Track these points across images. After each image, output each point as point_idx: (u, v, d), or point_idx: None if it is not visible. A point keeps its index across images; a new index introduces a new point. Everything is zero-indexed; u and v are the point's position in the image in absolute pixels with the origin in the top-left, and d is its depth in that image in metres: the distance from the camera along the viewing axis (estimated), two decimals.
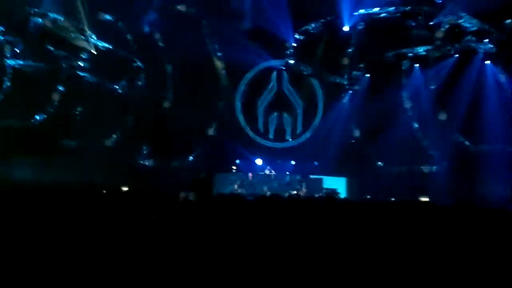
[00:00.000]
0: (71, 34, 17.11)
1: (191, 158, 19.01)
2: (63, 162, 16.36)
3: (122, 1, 17.86)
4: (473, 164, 16.23)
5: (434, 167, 17.01)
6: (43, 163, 15.81)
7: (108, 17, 18.38)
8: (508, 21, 15.60)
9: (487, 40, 15.88)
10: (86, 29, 17.33)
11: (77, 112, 18.38)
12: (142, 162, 18.71)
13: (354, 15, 17.51)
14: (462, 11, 15.85)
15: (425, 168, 17.01)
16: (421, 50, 16.51)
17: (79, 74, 17.80)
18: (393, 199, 12.09)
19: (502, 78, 16.12)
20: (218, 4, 18.75)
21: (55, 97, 18.18)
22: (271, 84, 20.57)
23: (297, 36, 18.35)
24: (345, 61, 18.39)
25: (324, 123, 19.64)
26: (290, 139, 20.43)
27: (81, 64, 17.73)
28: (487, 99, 16.06)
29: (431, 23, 16.17)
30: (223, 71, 19.84)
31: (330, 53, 18.28)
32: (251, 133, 20.59)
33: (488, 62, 16.19)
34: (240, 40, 18.94)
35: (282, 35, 18.40)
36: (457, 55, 16.36)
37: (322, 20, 18.13)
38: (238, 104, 20.75)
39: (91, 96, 18.11)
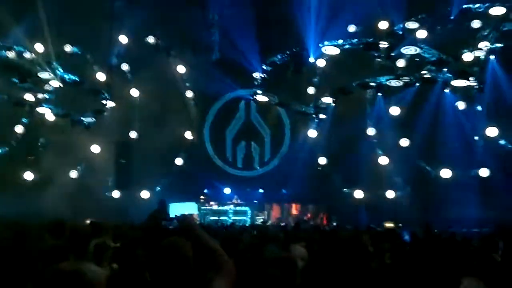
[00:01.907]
0: (37, 66, 17.00)
1: (158, 188, 18.88)
2: (26, 195, 16.04)
3: (90, 33, 17.91)
4: (435, 189, 16.61)
5: (398, 193, 17.34)
6: (4, 197, 15.39)
7: (75, 49, 18.38)
8: (465, 50, 16.24)
9: (445, 69, 16.47)
10: (52, 61, 17.25)
11: (39, 144, 18.12)
12: (107, 194, 18.45)
13: (319, 46, 17.98)
14: (421, 43, 16.46)
15: (389, 194, 17.30)
16: (383, 79, 16.99)
17: (43, 107, 17.60)
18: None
19: (461, 105, 16.69)
20: (187, 36, 18.99)
21: (19, 129, 17.91)
22: (239, 113, 20.81)
23: (264, 67, 18.69)
24: (311, 90, 18.77)
25: (292, 151, 19.88)
26: (258, 167, 20.57)
27: (46, 96, 17.57)
28: (446, 126, 16.57)
29: (392, 53, 16.70)
30: (192, 101, 19.99)
31: (297, 83, 18.63)
32: (219, 162, 20.67)
33: (447, 90, 16.76)
34: (208, 71, 19.19)
35: (250, 66, 18.71)
36: (417, 84, 16.88)
37: (288, 52, 18.53)
38: (206, 134, 20.87)
39: (55, 128, 17.91)
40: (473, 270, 4.05)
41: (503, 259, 4.95)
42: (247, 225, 15.73)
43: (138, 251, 4.95)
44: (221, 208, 18.39)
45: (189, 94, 19.88)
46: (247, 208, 18.44)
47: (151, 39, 19.08)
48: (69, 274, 2.89)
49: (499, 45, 15.94)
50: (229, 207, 18.30)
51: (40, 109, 17.56)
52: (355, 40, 17.30)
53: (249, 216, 18.21)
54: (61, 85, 17.45)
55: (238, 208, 18.32)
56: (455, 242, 6.34)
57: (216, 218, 17.50)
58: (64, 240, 5.33)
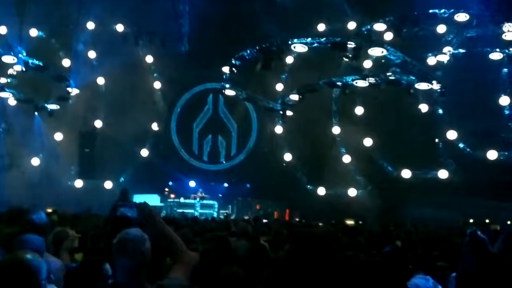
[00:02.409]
0: None
1: (122, 179, 18.67)
2: None
3: (56, 17, 17.51)
4: (396, 188, 17.05)
5: (360, 191, 17.71)
6: None
7: (40, 33, 17.93)
8: (429, 54, 16.68)
9: (409, 72, 16.87)
10: (16, 45, 16.78)
11: (1, 130, 17.63)
12: (70, 183, 18.13)
13: (288, 43, 18.10)
14: (387, 45, 16.80)
15: (351, 192, 17.66)
16: (349, 79, 17.26)
17: (6, 91, 17.11)
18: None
19: (423, 108, 17.15)
20: (156, 26, 18.77)
21: None
22: (207, 106, 20.78)
23: (233, 61, 18.67)
24: (279, 86, 18.91)
25: (258, 146, 20.00)
26: (224, 162, 20.62)
27: (8, 80, 17.07)
28: (408, 128, 17.03)
29: (359, 54, 16.97)
30: (159, 92, 19.82)
31: (265, 79, 18.73)
32: (185, 155, 20.61)
33: (410, 92, 17.17)
34: (177, 62, 19.05)
35: (219, 59, 18.68)
36: (382, 85, 17.22)
37: (257, 47, 18.58)
38: (173, 126, 20.75)
39: (18, 113, 17.47)
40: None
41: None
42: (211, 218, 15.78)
43: (101, 242, 4.95)
44: (188, 201, 18.35)
45: (156, 85, 19.70)
46: (214, 202, 18.47)
47: (119, 27, 18.78)
48: (10, 264, 2.72)
49: (462, 50, 16.45)
50: (196, 200, 18.27)
51: (2, 94, 17.07)
52: (323, 39, 17.50)
53: (215, 210, 18.25)
54: (25, 70, 16.99)
55: (205, 201, 18.33)
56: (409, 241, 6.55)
57: (182, 210, 17.44)
58: (21, 229, 5.26)
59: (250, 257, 4.29)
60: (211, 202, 18.46)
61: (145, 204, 3.71)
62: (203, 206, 18.19)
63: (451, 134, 16.76)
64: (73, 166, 18.47)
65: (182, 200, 18.40)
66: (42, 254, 3.83)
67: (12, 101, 17.44)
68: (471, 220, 14.43)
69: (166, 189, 18.91)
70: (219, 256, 3.63)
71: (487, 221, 14.29)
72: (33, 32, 17.73)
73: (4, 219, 5.91)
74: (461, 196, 15.23)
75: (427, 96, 17.02)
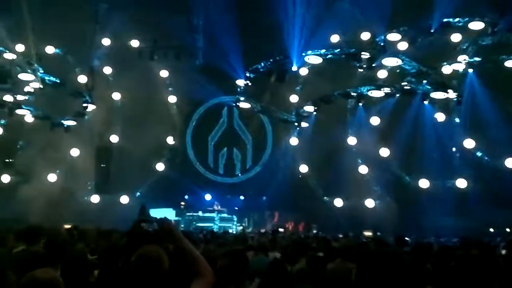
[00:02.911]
0: (17, 67, 16.76)
1: (138, 193, 18.74)
2: (2, 198, 15.78)
3: (72, 35, 17.78)
4: (413, 198, 16.84)
5: (377, 202, 17.52)
6: None
7: (57, 51, 18.21)
8: (444, 63, 16.55)
9: (425, 81, 16.74)
10: (33, 62, 17.04)
11: (18, 147, 17.85)
12: (86, 198, 18.23)
13: (302, 55, 18.12)
14: (402, 54, 16.72)
15: (369, 203, 17.48)
16: (364, 89, 17.19)
17: (23, 108, 17.35)
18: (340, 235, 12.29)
19: (440, 117, 16.98)
20: (170, 41, 18.95)
21: None
22: (222, 119, 20.83)
23: (247, 74, 18.74)
24: (294, 98, 18.90)
25: (273, 159, 19.95)
26: (240, 174, 20.60)
27: (26, 98, 17.31)
28: (425, 137, 16.83)
29: (374, 64, 16.91)
30: (174, 106, 19.94)
31: (279, 91, 18.74)
32: (201, 168, 20.63)
33: (426, 102, 17.03)
34: (191, 76, 19.17)
35: (233, 73, 18.76)
36: (398, 95, 17.13)
37: (271, 60, 18.62)
38: (188, 139, 20.83)
39: (35, 130, 17.69)
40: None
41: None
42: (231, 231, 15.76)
43: (120, 260, 4.93)
44: (207, 215, 18.29)
45: (172, 99, 19.83)
46: (233, 216, 18.41)
47: (134, 43, 19.00)
48: (45, 282, 2.80)
49: (477, 59, 16.28)
50: (215, 214, 18.22)
51: (19, 111, 17.31)
52: (338, 50, 17.49)
53: (235, 223, 18.18)
54: (42, 87, 17.23)
55: (224, 215, 18.27)
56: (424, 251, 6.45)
57: (203, 224, 17.39)
58: (41, 246, 5.26)
59: (269, 272, 4.26)
60: (229, 215, 18.37)
61: (165, 219, 3.69)
62: (222, 220, 18.12)
63: (469, 143, 16.55)
64: (89, 181, 18.59)
65: (201, 214, 18.34)
66: None
67: (29, 118, 17.66)
68: (491, 230, 14.18)
69: (182, 203, 18.91)
70: (236, 271, 3.60)
71: (507, 230, 14.03)
72: (50, 50, 18.02)
73: (23, 237, 5.94)
74: (480, 205, 14.97)
75: (444, 105, 16.84)
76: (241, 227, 17.30)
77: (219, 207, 18.56)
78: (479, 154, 16.67)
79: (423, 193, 16.74)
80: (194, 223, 17.73)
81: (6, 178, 17.26)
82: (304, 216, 18.28)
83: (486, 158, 16.58)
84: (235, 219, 18.28)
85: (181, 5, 18.33)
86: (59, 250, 5.02)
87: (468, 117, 16.52)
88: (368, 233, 13.87)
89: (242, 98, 18.94)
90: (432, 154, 16.69)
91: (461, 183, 16.34)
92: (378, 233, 13.74)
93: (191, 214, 18.37)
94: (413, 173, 17.26)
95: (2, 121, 17.77)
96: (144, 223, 3.69)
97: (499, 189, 14.56)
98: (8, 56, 16.89)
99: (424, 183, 16.86)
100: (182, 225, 17.09)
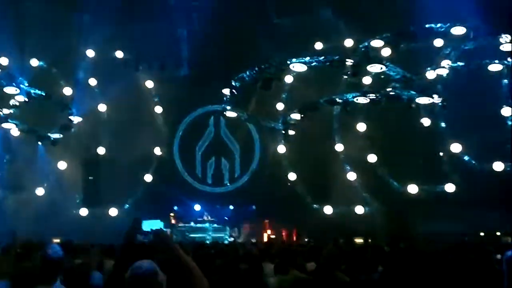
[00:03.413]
0: (1, 81, 16.58)
1: (127, 205, 18.60)
2: None
3: (57, 47, 17.67)
4: (402, 204, 16.97)
5: (367, 208, 17.61)
6: None
7: (41, 63, 18.07)
8: (428, 68, 16.76)
9: (410, 87, 16.93)
10: (18, 76, 16.88)
11: (4, 161, 17.62)
12: (75, 211, 18.04)
13: (287, 63, 18.21)
14: (386, 61, 16.89)
15: (358, 209, 17.56)
16: (350, 96, 17.32)
17: (9, 122, 17.15)
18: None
19: (426, 121, 17.17)
20: (155, 51, 18.93)
21: None
22: (209, 129, 20.80)
23: (233, 83, 18.76)
24: (280, 106, 18.96)
25: (261, 167, 19.96)
26: (228, 184, 20.55)
27: (11, 111, 17.12)
28: (412, 142, 16.99)
29: (358, 71, 17.05)
30: (160, 117, 19.88)
31: (265, 99, 18.80)
32: (189, 178, 20.55)
33: (412, 106, 17.21)
34: (177, 86, 19.15)
35: (219, 82, 18.78)
36: (383, 101, 17.27)
37: (257, 68, 18.67)
38: (175, 150, 20.75)
39: (21, 144, 17.49)
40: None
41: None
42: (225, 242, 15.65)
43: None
44: (200, 225, 18.15)
45: (158, 109, 19.77)
46: (226, 226, 18.31)
47: (119, 54, 18.96)
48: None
49: (460, 63, 16.53)
50: (208, 225, 18.10)
51: (5, 125, 17.10)
52: (322, 57, 17.62)
53: (227, 234, 18.09)
54: (27, 100, 17.06)
55: (216, 225, 18.16)
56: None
57: (195, 235, 17.27)
58: (32, 262, 5.17)
59: None
60: (221, 226, 18.26)
61: (161, 230, 3.68)
62: (215, 230, 17.99)
63: (455, 147, 16.75)
64: (77, 194, 18.42)
65: (193, 224, 18.19)
66: None
67: (15, 132, 17.46)
68: (482, 233, 14.33)
69: (171, 214, 18.80)
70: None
71: (498, 233, 14.18)
72: (34, 62, 17.88)
73: (16, 253, 5.84)
74: (470, 209, 15.12)
75: (429, 110, 17.04)
76: (232, 237, 17.23)
77: (209, 217, 18.49)
78: (466, 158, 16.89)
79: (412, 198, 16.88)
80: (187, 233, 17.60)
81: None
82: (294, 224, 18.26)
83: (473, 162, 16.80)
84: (228, 229, 18.18)
85: (165, 15, 18.34)
86: (52, 267, 4.95)
87: (454, 121, 16.74)
88: (359, 240, 13.91)
89: (228, 107, 18.94)
90: (419, 159, 16.87)
91: (450, 187, 16.52)
92: (369, 240, 13.78)
93: (182, 225, 18.22)
94: (401, 179, 17.40)
95: None
96: (139, 235, 3.68)
97: (488, 192, 14.72)
98: None
99: (412, 188, 17.00)
100: (175, 236, 16.97)
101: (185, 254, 3.51)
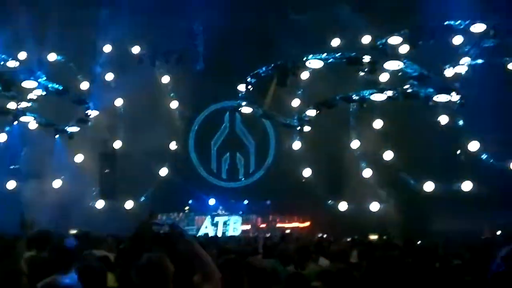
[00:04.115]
0: (20, 75, 16.79)
1: (142, 198, 18.75)
2: (6, 205, 15.76)
3: (74, 42, 17.83)
4: (418, 202, 16.84)
5: (382, 205, 17.51)
6: None
7: (59, 58, 18.26)
8: (447, 66, 16.58)
9: (427, 84, 16.76)
10: (36, 70, 17.08)
11: (22, 154, 17.87)
12: (91, 204, 18.25)
13: (304, 59, 18.16)
14: (404, 58, 16.74)
15: (373, 206, 17.47)
16: (366, 93, 17.20)
17: (27, 115, 17.38)
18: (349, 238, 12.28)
19: (443, 119, 16.98)
20: (171, 46, 18.99)
21: (2, 138, 17.67)
22: (224, 124, 20.85)
23: (249, 78, 18.76)
24: (295, 102, 18.92)
25: (276, 163, 19.95)
26: (243, 179, 20.59)
27: (29, 105, 17.34)
28: (429, 140, 16.81)
29: (375, 68, 16.93)
30: (176, 112, 19.96)
31: (281, 95, 18.77)
32: (204, 173, 20.63)
33: (430, 103, 17.04)
34: (193, 81, 19.20)
35: (235, 78, 18.80)
36: (400, 98, 17.13)
37: (272, 64, 18.66)
38: (191, 144, 20.84)
39: (39, 137, 17.72)
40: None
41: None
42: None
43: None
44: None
45: (173, 104, 19.85)
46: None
47: (135, 49, 19.06)
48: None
49: (480, 61, 16.31)
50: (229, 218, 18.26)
51: (23, 118, 17.34)
52: (339, 54, 17.52)
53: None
54: (45, 94, 17.26)
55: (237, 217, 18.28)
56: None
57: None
58: (49, 252, 5.25)
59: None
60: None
61: (176, 222, 3.72)
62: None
63: (473, 145, 16.55)
64: (94, 187, 18.60)
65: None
66: None
67: (33, 125, 17.70)
68: (499, 232, 14.15)
69: (186, 208, 18.92)
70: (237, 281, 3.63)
71: None
72: (52, 57, 18.06)
73: (34, 243, 5.94)
74: (487, 207, 14.96)
75: (447, 107, 16.85)
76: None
77: (223, 211, 18.58)
78: (484, 156, 16.68)
79: (428, 196, 16.74)
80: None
81: (11, 184, 17.26)
82: (308, 220, 18.24)
83: (491, 160, 16.59)
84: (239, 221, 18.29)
85: (181, 10, 18.38)
86: (67, 256, 5.01)
87: (472, 119, 16.53)
88: (373, 237, 13.85)
89: (244, 103, 18.97)
90: (436, 157, 16.68)
91: (467, 185, 16.34)
92: (384, 237, 13.69)
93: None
94: (418, 176, 17.25)
95: (7, 128, 17.78)
96: (156, 226, 3.71)
97: (505, 190, 14.55)
98: (11, 64, 16.92)
99: (428, 186, 16.85)
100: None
101: (200, 247, 3.53)
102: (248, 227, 18.44)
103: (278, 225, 18.65)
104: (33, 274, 4.50)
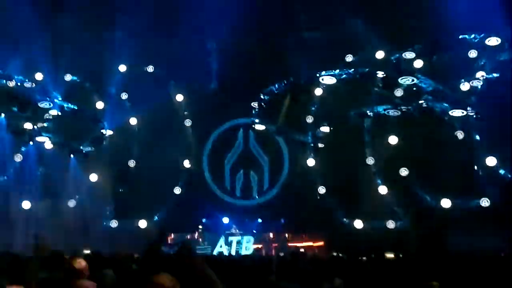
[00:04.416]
0: (36, 95, 17.05)
1: (156, 218, 18.72)
2: (21, 225, 15.89)
3: (89, 62, 18.07)
4: (435, 219, 16.53)
5: (398, 223, 17.23)
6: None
7: (74, 78, 18.50)
8: (462, 80, 16.43)
9: (443, 99, 16.60)
10: (52, 90, 17.32)
11: (38, 173, 18.01)
12: (105, 223, 18.26)
13: (317, 76, 18.14)
14: (418, 72, 16.63)
15: (390, 224, 17.19)
16: (381, 109, 17.09)
17: (43, 135, 17.58)
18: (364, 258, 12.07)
19: (460, 135, 16.74)
20: (185, 64, 19.12)
21: (17, 158, 17.85)
22: (238, 142, 20.82)
23: (262, 96, 18.78)
24: (309, 119, 18.85)
25: (290, 180, 19.81)
26: (257, 197, 20.46)
27: (45, 125, 17.55)
28: (445, 156, 16.56)
29: (389, 83, 16.84)
30: (190, 130, 20.01)
31: (294, 112, 18.72)
32: (218, 191, 20.55)
33: (446, 119, 16.86)
34: (206, 99, 19.28)
35: (248, 95, 18.82)
36: (415, 114, 16.98)
37: (285, 81, 18.67)
38: (205, 162, 20.82)
39: (54, 156, 17.87)
40: None
41: None
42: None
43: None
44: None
45: (187, 122, 19.92)
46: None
47: (150, 68, 19.24)
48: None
49: (495, 74, 16.12)
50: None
51: (39, 138, 17.54)
52: (352, 70, 17.47)
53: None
54: (60, 114, 17.46)
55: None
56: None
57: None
58: (62, 272, 5.23)
59: None
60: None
61: (188, 242, 3.64)
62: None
63: (491, 161, 16.26)
64: (108, 206, 18.63)
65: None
66: None
67: (48, 145, 17.87)
68: None
69: (200, 227, 18.82)
70: None
71: None
72: (68, 77, 18.33)
73: (46, 263, 5.93)
74: (506, 224, 14.62)
75: (463, 122, 16.63)
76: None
77: (237, 230, 18.44)
78: (502, 171, 16.36)
79: (446, 213, 16.43)
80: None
81: (27, 205, 17.37)
82: (323, 238, 18.00)
83: (509, 175, 16.26)
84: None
85: (195, 28, 18.53)
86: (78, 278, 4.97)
87: (489, 134, 16.27)
88: (390, 255, 13.57)
89: (257, 120, 18.95)
90: (453, 173, 16.40)
91: (485, 202, 16.02)
92: (400, 255, 13.42)
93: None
94: (434, 193, 16.97)
95: (23, 149, 17.97)
96: (164, 247, 3.64)
97: None
98: (28, 85, 17.20)
99: (446, 203, 16.56)
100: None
101: (208, 268, 3.45)
102: (260, 246, 18.24)
103: (292, 243, 18.40)
104: None
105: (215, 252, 17.52)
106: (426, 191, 17.24)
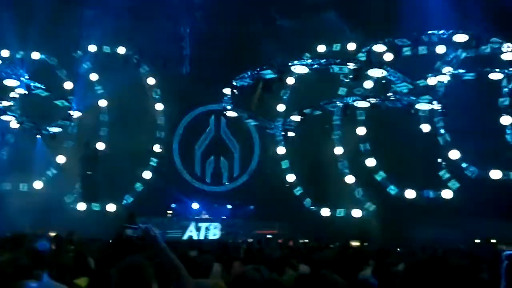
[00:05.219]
0: (1, 73, 16.57)
1: (125, 202, 18.60)
2: None
3: (58, 41, 17.68)
4: (399, 209, 16.97)
5: (364, 212, 17.62)
6: None
7: (42, 56, 18.08)
8: (429, 75, 16.76)
9: (410, 92, 16.91)
10: (19, 68, 16.87)
11: (3, 153, 17.63)
12: (72, 206, 18.04)
13: (289, 65, 18.20)
14: (387, 66, 16.87)
15: (355, 212, 17.57)
16: (350, 100, 17.31)
17: (8, 114, 17.14)
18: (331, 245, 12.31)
19: (426, 128, 17.17)
20: (157, 48, 18.92)
21: None
22: (209, 128, 20.79)
23: (234, 82, 18.74)
24: (280, 108, 18.96)
25: (260, 167, 19.96)
26: (227, 183, 20.54)
27: (11, 103, 17.10)
28: (411, 148, 16.99)
29: (359, 75, 17.03)
30: (161, 114, 19.87)
31: (266, 100, 18.79)
32: (188, 177, 20.53)
33: (412, 111, 17.19)
34: (178, 84, 19.15)
35: (220, 81, 18.76)
36: (383, 106, 17.24)
37: (258, 69, 18.66)
38: (175, 147, 20.74)
39: (20, 136, 17.50)
40: None
41: None
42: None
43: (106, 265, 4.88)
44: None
45: (158, 106, 19.77)
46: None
47: (121, 50, 18.96)
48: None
49: (461, 70, 16.53)
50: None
51: (4, 117, 17.08)
52: (324, 60, 17.61)
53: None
54: (27, 93, 17.03)
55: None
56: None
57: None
58: (23, 253, 5.21)
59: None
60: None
61: (150, 226, 3.66)
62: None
63: (454, 154, 16.76)
64: (75, 189, 18.39)
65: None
66: None
67: (14, 124, 17.45)
68: (477, 240, 14.33)
69: (169, 212, 18.80)
70: None
71: (493, 241, 14.18)
72: (36, 55, 17.87)
73: (7, 245, 5.90)
74: (466, 216, 15.14)
75: (429, 116, 17.04)
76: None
77: (207, 216, 18.51)
78: (464, 165, 16.89)
79: (409, 203, 16.90)
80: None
81: None
82: (291, 225, 18.26)
83: (471, 169, 16.80)
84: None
85: (168, 13, 18.33)
86: (39, 261, 4.97)
87: (453, 128, 16.75)
88: (355, 243, 13.91)
89: (229, 107, 18.93)
90: (418, 165, 16.85)
91: (447, 193, 16.54)
92: (365, 244, 13.78)
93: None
94: (399, 183, 17.42)
95: None
96: (128, 229, 3.66)
97: (484, 199, 14.75)
98: None
99: (410, 194, 17.02)
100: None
101: (172, 253, 3.51)
102: (228, 231, 18.37)
103: (260, 230, 18.59)
104: (3, 278, 4.45)
105: (185, 237, 17.57)
106: (391, 181, 17.68)
